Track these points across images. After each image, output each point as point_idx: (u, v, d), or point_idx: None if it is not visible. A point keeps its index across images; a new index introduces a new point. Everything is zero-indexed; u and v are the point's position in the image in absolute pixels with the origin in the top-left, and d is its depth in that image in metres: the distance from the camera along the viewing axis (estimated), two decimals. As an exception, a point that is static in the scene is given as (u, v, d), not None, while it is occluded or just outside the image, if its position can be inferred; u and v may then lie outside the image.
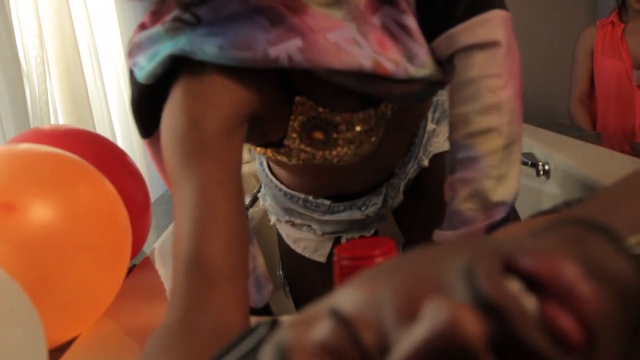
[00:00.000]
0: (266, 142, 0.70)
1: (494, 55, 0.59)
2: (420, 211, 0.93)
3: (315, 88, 0.64)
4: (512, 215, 0.63)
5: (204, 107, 0.57)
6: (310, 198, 0.89)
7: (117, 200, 0.70)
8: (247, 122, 0.61)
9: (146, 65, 0.60)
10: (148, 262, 0.92)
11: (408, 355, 0.18)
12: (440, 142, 0.91)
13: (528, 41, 2.85)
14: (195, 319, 0.49)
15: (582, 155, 1.25)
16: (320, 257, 0.96)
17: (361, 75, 0.59)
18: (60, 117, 1.45)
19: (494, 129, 0.59)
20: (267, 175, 0.93)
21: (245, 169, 1.66)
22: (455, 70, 0.61)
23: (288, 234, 0.99)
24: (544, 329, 0.18)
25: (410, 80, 0.61)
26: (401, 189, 0.91)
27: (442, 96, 0.89)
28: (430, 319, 0.18)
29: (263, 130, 0.67)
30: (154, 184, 1.42)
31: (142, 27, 0.63)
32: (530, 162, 1.34)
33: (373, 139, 0.71)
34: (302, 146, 0.68)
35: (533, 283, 0.19)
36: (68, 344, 0.65)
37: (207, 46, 0.56)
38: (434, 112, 0.90)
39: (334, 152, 0.69)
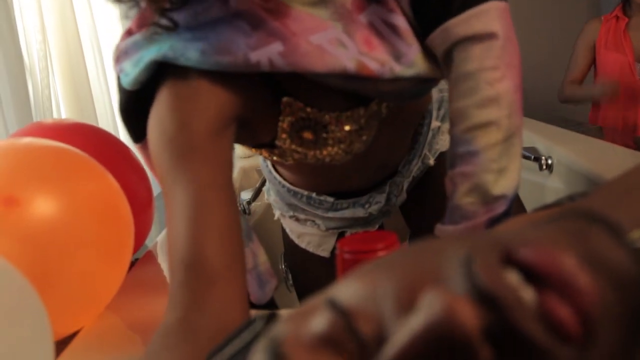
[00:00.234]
0: (258, 143, 0.70)
1: (491, 47, 0.58)
2: (428, 209, 0.92)
3: (302, 89, 0.64)
4: (517, 208, 0.62)
5: (191, 110, 0.57)
6: (314, 195, 0.89)
7: (119, 194, 0.70)
8: (234, 123, 0.61)
9: (131, 72, 0.60)
10: (150, 256, 0.93)
11: (403, 346, 0.18)
12: (446, 140, 0.90)
13: (530, 35, 2.84)
14: (194, 319, 0.50)
15: (585, 150, 1.25)
16: (324, 251, 0.96)
17: (346, 75, 0.59)
18: (62, 111, 1.45)
19: (492, 122, 0.59)
20: (270, 172, 0.94)
21: (248, 163, 1.66)
22: (453, 64, 0.60)
23: (292, 228, 0.99)
24: (541, 320, 0.18)
25: (397, 79, 0.61)
26: (405, 187, 0.90)
27: (448, 93, 0.89)
28: (426, 310, 0.18)
29: (253, 132, 0.67)
30: (157, 178, 1.42)
31: (129, 33, 0.63)
32: (533, 157, 1.33)
33: (364, 137, 0.70)
34: (293, 146, 0.68)
35: (532, 275, 0.19)
36: (71, 337, 0.65)
37: (189, 51, 0.56)
38: (439, 109, 0.89)
39: (324, 152, 0.69)
